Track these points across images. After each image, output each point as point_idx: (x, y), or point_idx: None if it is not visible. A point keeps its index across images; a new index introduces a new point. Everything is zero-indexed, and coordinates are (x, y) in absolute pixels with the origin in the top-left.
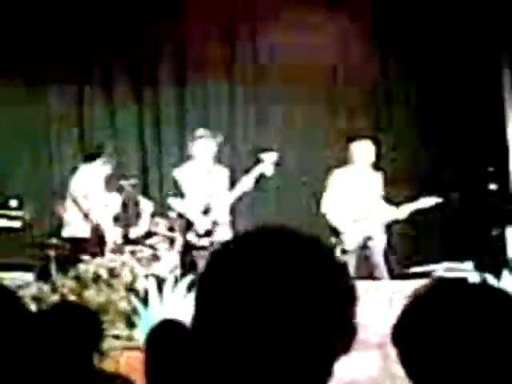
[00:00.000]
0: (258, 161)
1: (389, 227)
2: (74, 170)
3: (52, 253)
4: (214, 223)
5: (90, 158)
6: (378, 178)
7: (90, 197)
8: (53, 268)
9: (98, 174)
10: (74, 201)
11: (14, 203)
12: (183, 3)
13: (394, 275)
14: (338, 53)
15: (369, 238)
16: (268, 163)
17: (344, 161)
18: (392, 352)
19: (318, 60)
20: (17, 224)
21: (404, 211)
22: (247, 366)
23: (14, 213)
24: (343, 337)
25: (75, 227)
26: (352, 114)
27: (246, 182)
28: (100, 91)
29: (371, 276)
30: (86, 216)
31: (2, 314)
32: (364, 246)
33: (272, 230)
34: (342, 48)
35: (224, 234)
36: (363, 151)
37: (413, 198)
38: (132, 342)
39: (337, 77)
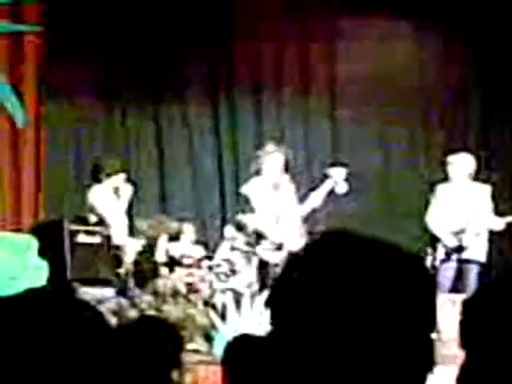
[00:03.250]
0: (325, 176)
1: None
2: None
3: (131, 268)
4: (285, 237)
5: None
6: (481, 190)
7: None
8: (131, 283)
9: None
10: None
11: (93, 218)
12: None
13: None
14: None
15: (463, 249)
16: (338, 179)
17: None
18: None
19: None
20: (96, 239)
21: (500, 222)
22: (325, 381)
23: (93, 228)
24: (424, 352)
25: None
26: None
27: (315, 199)
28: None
29: (456, 288)
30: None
31: (83, 328)
32: (459, 259)
33: (349, 236)
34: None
35: (296, 247)
36: (462, 164)
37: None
38: (210, 357)
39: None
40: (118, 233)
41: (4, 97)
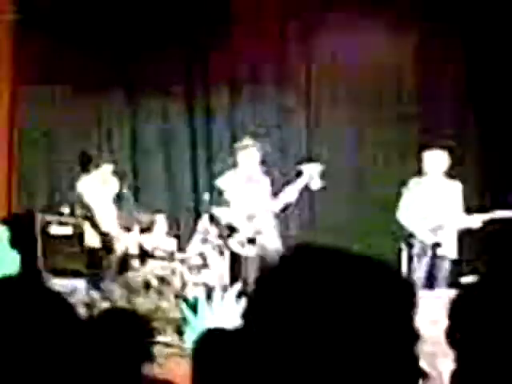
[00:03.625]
0: (299, 173)
1: (462, 237)
2: None
3: (103, 259)
4: (257, 231)
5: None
6: (454, 187)
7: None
8: (103, 275)
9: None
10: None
11: (66, 210)
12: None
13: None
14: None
15: (438, 245)
16: (313, 175)
17: (415, 171)
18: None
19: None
20: (68, 231)
21: (477, 220)
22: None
23: (66, 219)
24: (405, 350)
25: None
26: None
27: (290, 194)
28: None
29: (429, 284)
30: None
31: (53, 319)
32: (434, 255)
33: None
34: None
35: (268, 242)
36: (436, 161)
37: (489, 209)
38: (181, 350)
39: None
40: (107, 222)
41: None
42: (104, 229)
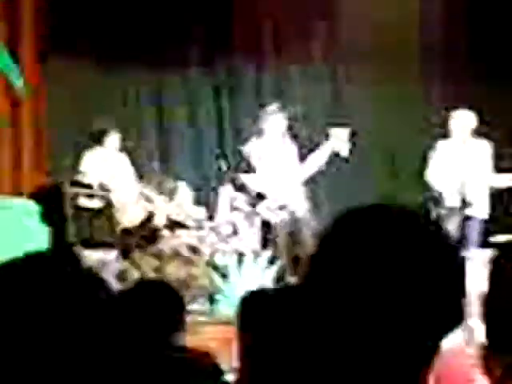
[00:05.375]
0: (327, 136)
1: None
2: None
3: (132, 229)
4: (286, 198)
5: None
6: (482, 146)
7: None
8: (133, 245)
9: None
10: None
11: (94, 181)
12: None
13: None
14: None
15: (467, 205)
16: (340, 140)
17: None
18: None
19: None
20: (97, 203)
21: (506, 179)
22: (353, 339)
23: (93, 191)
24: (453, 312)
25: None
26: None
27: (317, 159)
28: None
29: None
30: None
31: (86, 293)
32: (463, 215)
33: (381, 207)
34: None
35: (298, 209)
36: (462, 121)
37: None
38: (213, 317)
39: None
40: (124, 195)
41: None
42: (121, 202)
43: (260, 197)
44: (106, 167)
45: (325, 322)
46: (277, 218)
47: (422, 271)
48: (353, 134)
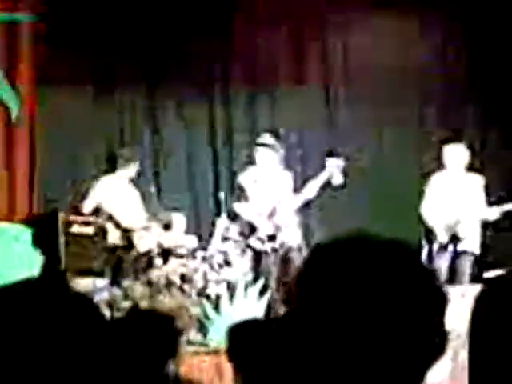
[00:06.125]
0: (323, 166)
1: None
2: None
3: (125, 257)
4: (278, 228)
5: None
6: (475, 180)
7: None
8: (125, 273)
9: (120, 181)
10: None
11: (88, 208)
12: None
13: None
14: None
15: (459, 240)
16: (335, 169)
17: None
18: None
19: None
20: (91, 230)
21: (495, 212)
22: (336, 366)
23: (88, 218)
24: (435, 343)
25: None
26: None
27: (311, 188)
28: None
29: (451, 279)
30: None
31: (77, 320)
32: (455, 250)
33: (358, 236)
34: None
35: (289, 238)
36: (456, 155)
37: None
38: (204, 348)
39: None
40: (128, 222)
41: None
42: (125, 226)
43: (252, 227)
44: (116, 195)
45: (308, 351)
46: (267, 248)
47: (400, 302)
48: (346, 165)
